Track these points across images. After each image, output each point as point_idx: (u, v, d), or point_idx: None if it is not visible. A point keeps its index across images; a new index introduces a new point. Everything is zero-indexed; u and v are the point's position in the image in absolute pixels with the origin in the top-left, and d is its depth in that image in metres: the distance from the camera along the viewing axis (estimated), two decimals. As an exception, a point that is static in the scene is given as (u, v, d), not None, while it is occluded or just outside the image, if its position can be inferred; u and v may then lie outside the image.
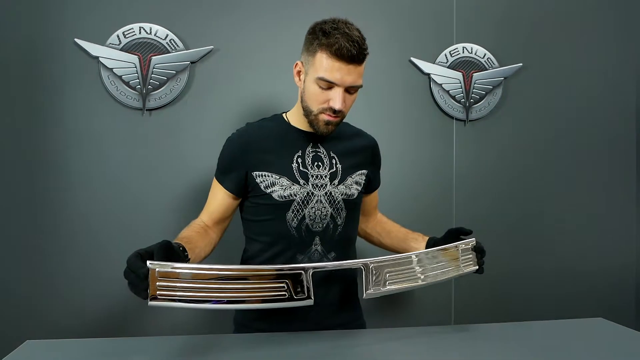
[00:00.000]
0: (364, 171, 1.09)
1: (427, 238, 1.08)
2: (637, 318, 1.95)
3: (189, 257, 0.84)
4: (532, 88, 1.85)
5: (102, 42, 1.51)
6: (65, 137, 1.51)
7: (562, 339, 0.94)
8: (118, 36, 1.51)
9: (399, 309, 1.77)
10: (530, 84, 1.85)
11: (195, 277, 0.73)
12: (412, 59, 1.75)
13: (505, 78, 1.82)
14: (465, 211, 1.80)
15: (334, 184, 1.02)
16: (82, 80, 1.51)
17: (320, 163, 1.02)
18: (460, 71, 1.78)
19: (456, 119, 1.80)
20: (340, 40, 0.88)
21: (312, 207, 0.99)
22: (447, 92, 1.77)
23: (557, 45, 1.87)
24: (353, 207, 1.06)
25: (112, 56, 1.51)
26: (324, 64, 0.90)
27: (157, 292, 0.69)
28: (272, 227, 1.00)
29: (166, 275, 0.70)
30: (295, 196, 0.98)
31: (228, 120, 1.57)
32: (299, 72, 0.99)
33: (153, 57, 1.54)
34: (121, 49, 1.52)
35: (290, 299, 0.78)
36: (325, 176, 1.01)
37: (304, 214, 0.99)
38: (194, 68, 1.58)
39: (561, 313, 1.85)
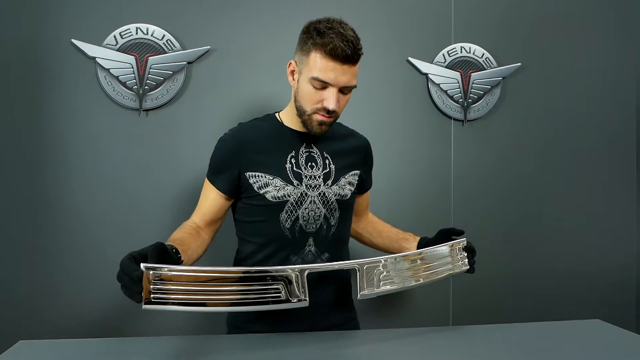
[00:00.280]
0: (357, 171, 1.08)
1: (419, 238, 1.09)
2: (637, 318, 1.94)
3: (182, 259, 0.84)
4: (531, 88, 1.85)
5: (98, 42, 1.51)
6: (62, 137, 1.51)
7: (558, 340, 0.93)
8: (115, 37, 1.51)
9: (396, 310, 1.76)
10: (529, 84, 1.84)
11: (189, 280, 0.72)
12: (410, 58, 1.74)
13: (503, 78, 1.81)
14: (463, 211, 1.79)
15: (327, 185, 1.01)
16: (79, 80, 1.52)
17: (313, 163, 1.01)
18: (458, 71, 1.78)
19: (454, 119, 1.79)
20: (335, 40, 0.87)
21: (306, 208, 0.99)
22: (445, 92, 1.77)
23: (556, 45, 1.86)
24: (346, 207, 1.06)
25: (108, 57, 1.51)
26: (318, 64, 0.90)
27: (151, 295, 0.69)
28: (265, 228, 1.00)
29: (160, 278, 0.70)
30: (289, 197, 0.98)
31: (225, 120, 1.56)
32: (292, 72, 0.98)
33: (150, 58, 1.54)
34: (118, 50, 1.52)
35: (286, 300, 0.78)
36: (319, 177, 1.01)
37: (298, 215, 0.99)
38: (190, 68, 1.58)
39: (561, 314, 1.84)
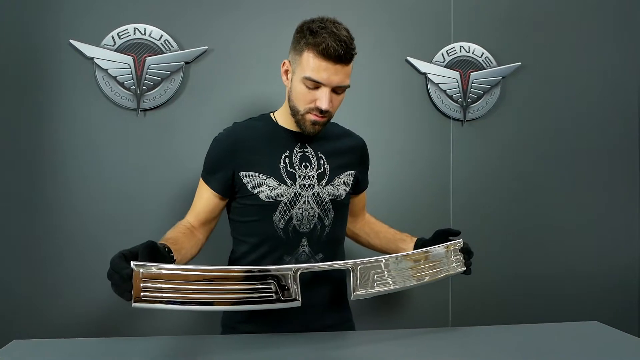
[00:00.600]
0: (352, 172, 1.08)
1: (416, 239, 1.08)
2: (639, 319, 1.92)
3: (175, 258, 0.83)
4: (531, 87, 1.83)
5: (96, 43, 1.51)
6: (60, 137, 1.52)
7: (556, 342, 0.92)
8: (113, 37, 1.52)
9: (395, 311, 1.75)
10: (529, 84, 1.83)
11: (180, 278, 0.72)
12: (409, 58, 1.73)
13: (503, 77, 1.79)
14: (462, 211, 1.78)
15: (321, 185, 1.01)
16: (76, 81, 1.52)
17: (308, 163, 1.01)
18: (457, 70, 1.77)
19: (453, 119, 1.78)
20: (327, 40, 0.87)
21: (300, 208, 0.99)
22: (444, 91, 1.76)
23: (556, 45, 1.85)
24: (341, 207, 1.05)
25: (106, 57, 1.51)
26: (311, 64, 0.89)
27: (142, 294, 0.68)
28: (259, 228, 0.99)
29: (151, 277, 0.69)
30: (283, 197, 0.97)
31: (222, 120, 1.55)
32: (286, 71, 0.98)
33: (147, 58, 1.54)
34: (116, 50, 1.52)
35: (278, 300, 0.78)
36: (313, 177, 1.00)
37: (291, 215, 0.98)
38: (188, 68, 1.58)
39: (562, 316, 1.83)
